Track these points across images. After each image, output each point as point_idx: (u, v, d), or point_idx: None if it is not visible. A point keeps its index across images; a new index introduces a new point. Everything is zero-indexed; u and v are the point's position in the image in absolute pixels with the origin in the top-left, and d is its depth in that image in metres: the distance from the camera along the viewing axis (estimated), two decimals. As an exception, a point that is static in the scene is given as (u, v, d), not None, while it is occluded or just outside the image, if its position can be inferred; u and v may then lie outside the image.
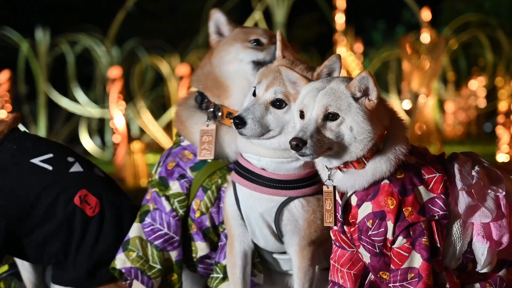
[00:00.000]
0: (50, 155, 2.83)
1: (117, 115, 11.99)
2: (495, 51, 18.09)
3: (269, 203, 2.57)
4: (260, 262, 2.89)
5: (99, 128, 19.36)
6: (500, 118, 10.47)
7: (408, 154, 2.32)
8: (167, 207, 2.89)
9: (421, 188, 2.30)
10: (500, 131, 10.21)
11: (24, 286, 3.02)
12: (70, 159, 2.87)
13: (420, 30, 14.60)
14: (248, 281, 2.71)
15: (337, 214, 2.36)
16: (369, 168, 2.29)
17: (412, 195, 2.28)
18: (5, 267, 3.08)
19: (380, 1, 29.64)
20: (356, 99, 2.27)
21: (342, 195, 2.35)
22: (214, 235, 2.94)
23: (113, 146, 12.70)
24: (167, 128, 17.35)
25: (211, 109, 2.91)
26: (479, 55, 20.70)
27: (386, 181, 2.29)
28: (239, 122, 2.42)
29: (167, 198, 2.91)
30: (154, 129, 16.96)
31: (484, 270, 2.38)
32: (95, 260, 2.79)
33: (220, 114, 2.90)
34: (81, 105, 17.83)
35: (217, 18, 2.99)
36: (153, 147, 17.48)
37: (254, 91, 2.55)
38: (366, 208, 2.29)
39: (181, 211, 2.91)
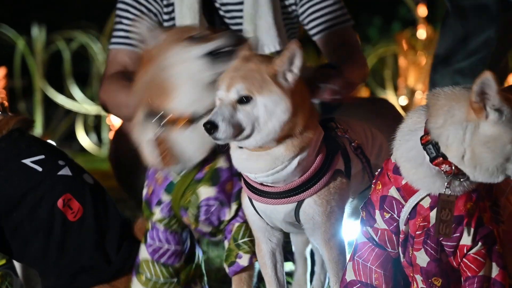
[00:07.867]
0: (42, 157, 2.83)
1: (113, 112, 11.95)
2: (491, 47, 18.11)
3: (286, 209, 2.53)
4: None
5: (96, 125, 19.25)
6: (496, 114, 10.46)
7: None
8: (161, 228, 2.79)
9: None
10: (496, 126, 10.20)
11: (20, 281, 3.02)
12: (61, 162, 2.87)
13: (417, 26, 14.61)
14: (282, 278, 2.67)
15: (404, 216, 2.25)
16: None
17: (486, 200, 2.22)
18: (3, 261, 3.08)
19: (376, -3, 29.63)
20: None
21: (409, 196, 2.23)
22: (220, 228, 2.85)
23: (109, 143, 12.68)
24: (164, 125, 17.31)
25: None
26: (475, 51, 20.71)
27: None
28: (211, 126, 2.30)
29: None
30: (151, 125, 16.92)
31: None
32: (78, 266, 2.78)
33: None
34: (77, 102, 17.76)
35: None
36: (149, 143, 17.44)
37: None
38: None
39: (175, 226, 2.80)
